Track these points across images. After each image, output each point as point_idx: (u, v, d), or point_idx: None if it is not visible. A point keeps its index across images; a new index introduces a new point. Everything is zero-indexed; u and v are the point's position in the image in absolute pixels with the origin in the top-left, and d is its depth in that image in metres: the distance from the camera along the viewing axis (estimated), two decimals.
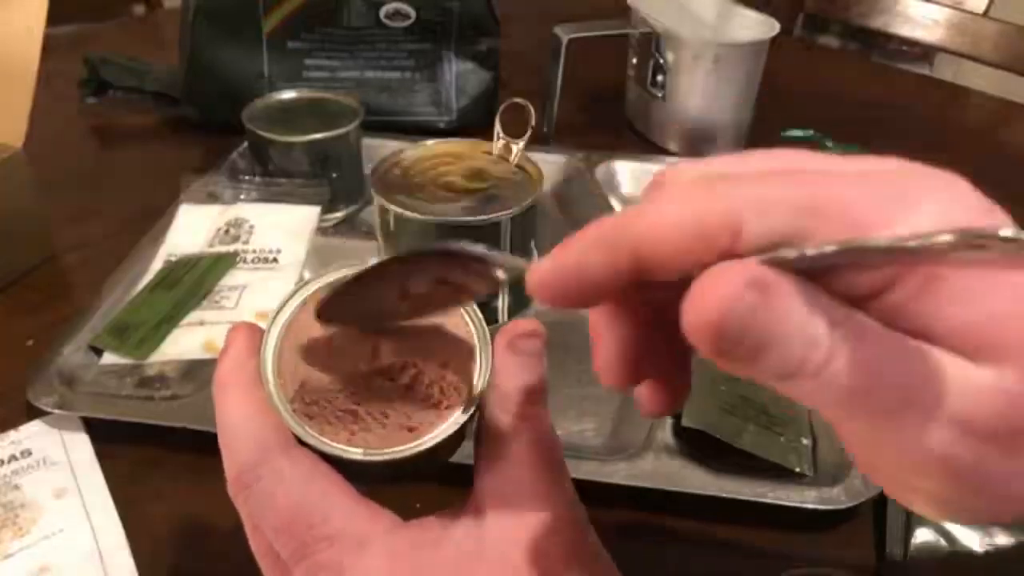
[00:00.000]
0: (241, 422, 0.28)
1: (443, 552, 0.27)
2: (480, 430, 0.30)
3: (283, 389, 0.30)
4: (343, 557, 0.27)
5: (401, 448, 0.29)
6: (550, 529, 0.28)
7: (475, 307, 0.32)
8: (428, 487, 0.34)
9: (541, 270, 0.22)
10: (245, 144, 0.71)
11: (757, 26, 0.81)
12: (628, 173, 0.76)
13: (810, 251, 0.18)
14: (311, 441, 0.29)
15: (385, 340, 0.31)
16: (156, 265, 0.60)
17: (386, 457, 0.29)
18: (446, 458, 0.32)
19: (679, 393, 0.26)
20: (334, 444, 0.29)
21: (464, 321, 0.32)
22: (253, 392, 0.29)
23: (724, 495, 0.45)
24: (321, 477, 0.28)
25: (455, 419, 0.30)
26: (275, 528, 0.27)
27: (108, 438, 0.49)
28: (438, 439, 0.29)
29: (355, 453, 0.29)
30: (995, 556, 0.43)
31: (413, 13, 0.81)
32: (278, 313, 0.31)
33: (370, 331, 0.31)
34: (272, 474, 0.27)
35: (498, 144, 0.59)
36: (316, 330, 0.31)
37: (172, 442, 0.48)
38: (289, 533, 0.27)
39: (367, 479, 0.30)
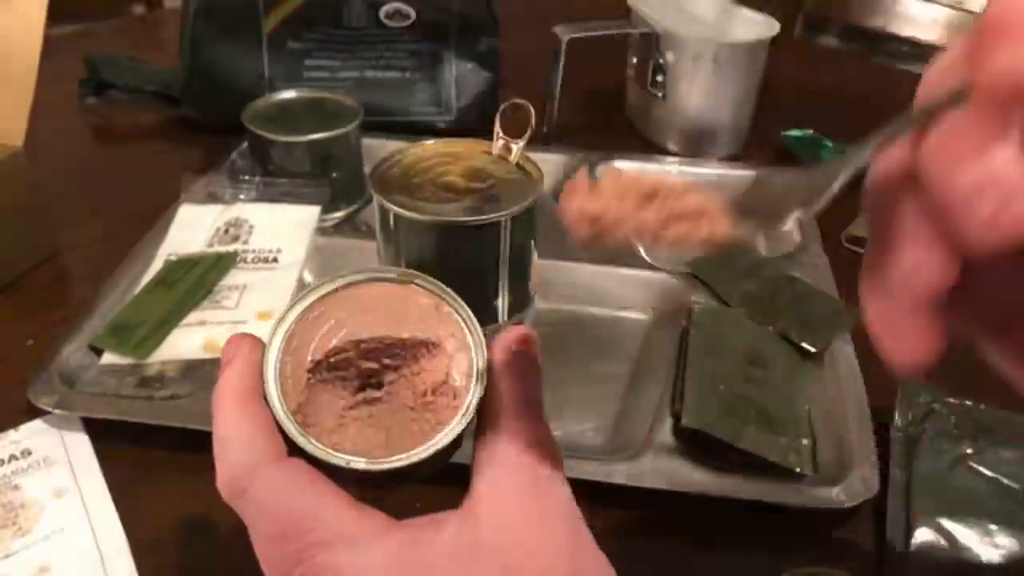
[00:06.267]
0: (233, 434, 0.29)
1: (439, 551, 0.27)
2: (478, 433, 0.31)
3: (285, 398, 0.30)
4: (338, 560, 0.27)
5: (401, 456, 0.29)
6: (545, 530, 0.28)
7: (471, 314, 0.32)
8: (427, 487, 0.34)
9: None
10: (245, 144, 0.71)
11: (757, 26, 0.81)
12: None
13: None
14: (311, 449, 0.29)
15: (384, 349, 0.31)
16: (156, 265, 0.60)
17: (386, 466, 0.29)
18: (445, 461, 0.32)
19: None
20: (335, 453, 0.29)
21: (461, 328, 0.32)
22: (248, 404, 0.29)
23: (724, 495, 0.45)
24: (313, 485, 0.28)
25: (454, 425, 0.30)
26: (268, 537, 0.28)
27: (108, 438, 0.49)
28: (438, 445, 0.30)
29: (358, 462, 0.29)
30: (995, 556, 0.43)
31: (413, 13, 0.81)
32: (280, 321, 0.31)
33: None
34: (261, 484, 0.28)
35: (498, 144, 0.58)
36: (317, 338, 0.31)
37: (172, 442, 0.48)
38: (282, 540, 0.27)
39: (367, 485, 0.30)
